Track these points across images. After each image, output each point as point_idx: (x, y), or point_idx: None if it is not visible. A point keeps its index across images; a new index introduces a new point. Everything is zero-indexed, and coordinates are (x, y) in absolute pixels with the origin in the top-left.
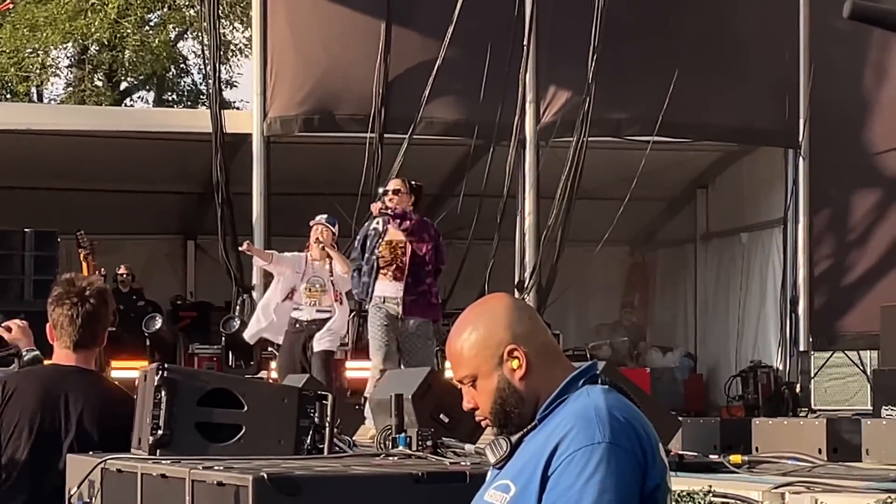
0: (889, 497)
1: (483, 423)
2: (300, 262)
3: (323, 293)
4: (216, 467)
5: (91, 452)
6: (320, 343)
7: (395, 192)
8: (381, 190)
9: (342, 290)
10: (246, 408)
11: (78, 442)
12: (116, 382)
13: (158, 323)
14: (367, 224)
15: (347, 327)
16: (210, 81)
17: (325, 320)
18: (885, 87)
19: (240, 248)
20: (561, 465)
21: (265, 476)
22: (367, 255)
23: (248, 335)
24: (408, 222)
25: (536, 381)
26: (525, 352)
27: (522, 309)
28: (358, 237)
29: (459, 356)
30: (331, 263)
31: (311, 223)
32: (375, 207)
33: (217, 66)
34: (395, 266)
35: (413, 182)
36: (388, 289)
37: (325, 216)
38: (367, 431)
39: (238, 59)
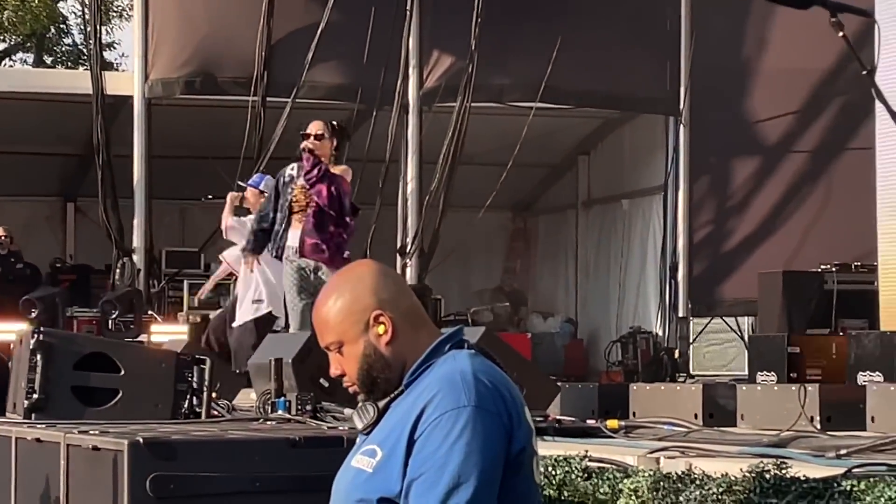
0: (761, 462)
1: (351, 390)
2: None
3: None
4: (92, 431)
5: None
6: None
7: (318, 136)
8: (301, 133)
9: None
10: (123, 372)
11: None
12: None
13: (38, 286)
14: (281, 171)
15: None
16: (91, 42)
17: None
18: (766, 57)
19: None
20: (427, 429)
21: (141, 440)
22: (280, 202)
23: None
24: (315, 172)
25: (402, 347)
26: (391, 317)
27: (388, 275)
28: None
29: (325, 322)
30: None
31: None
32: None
33: (98, 26)
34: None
35: (335, 123)
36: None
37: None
38: (248, 395)
39: (120, 21)
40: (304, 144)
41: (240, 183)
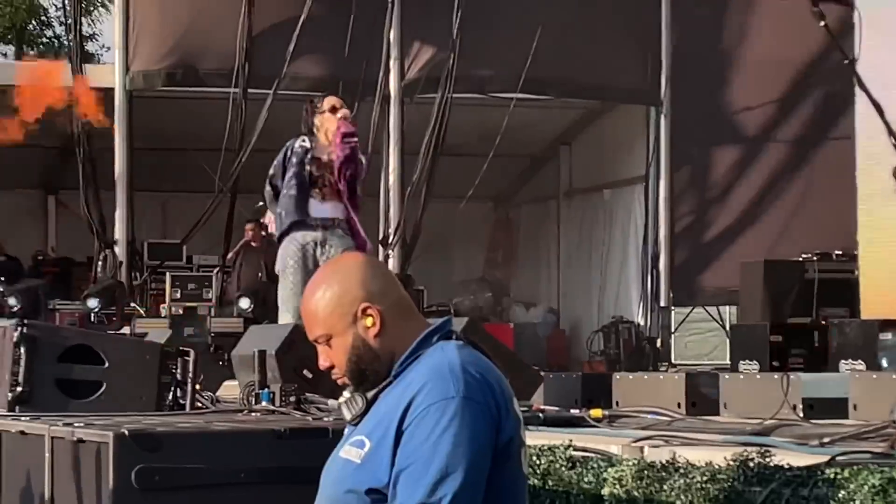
0: (745, 450)
1: (340, 382)
2: None
3: None
4: (76, 424)
5: None
6: None
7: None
8: (320, 104)
9: None
10: (107, 364)
11: None
12: None
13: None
14: (291, 141)
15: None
16: (71, 35)
17: None
18: (746, 46)
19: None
20: (415, 420)
21: (126, 432)
22: (290, 176)
23: None
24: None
25: (391, 338)
26: (379, 309)
27: (375, 267)
28: (278, 159)
29: (314, 315)
30: None
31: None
32: (332, 120)
33: (78, 18)
34: (328, 186)
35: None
36: (319, 210)
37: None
38: (232, 387)
39: (100, 13)
40: (343, 114)
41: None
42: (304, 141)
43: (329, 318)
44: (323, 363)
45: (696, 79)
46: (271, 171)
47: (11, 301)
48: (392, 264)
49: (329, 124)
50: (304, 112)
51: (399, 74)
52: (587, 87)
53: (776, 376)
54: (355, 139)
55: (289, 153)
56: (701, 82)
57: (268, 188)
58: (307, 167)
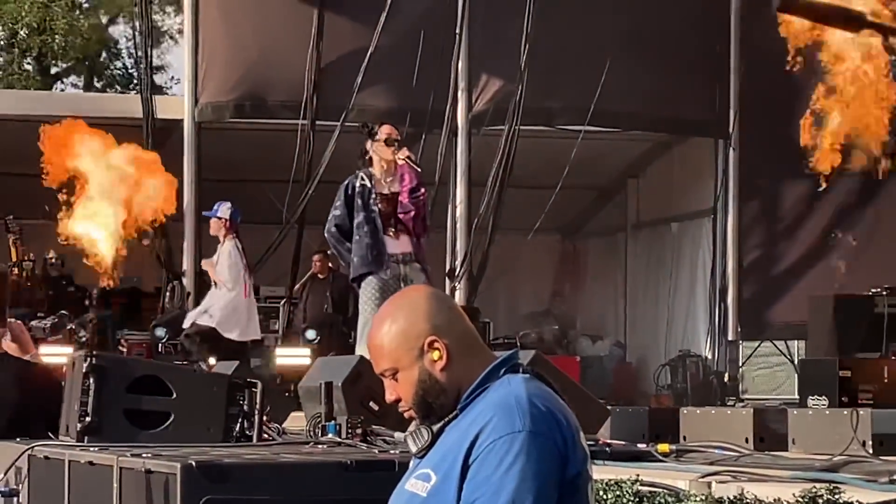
0: (814, 486)
1: (407, 415)
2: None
3: None
4: (144, 454)
5: (7, 433)
6: None
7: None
8: (377, 129)
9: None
10: (175, 395)
11: None
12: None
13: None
14: (349, 181)
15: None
16: (141, 66)
17: None
18: (815, 80)
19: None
20: (481, 454)
21: (193, 463)
22: (357, 215)
23: None
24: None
25: (457, 372)
26: (445, 343)
27: (442, 300)
28: (339, 196)
29: (380, 349)
30: None
31: None
32: (390, 152)
33: (148, 50)
34: (399, 224)
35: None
36: (394, 246)
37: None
38: (298, 418)
39: (169, 44)
40: (405, 155)
41: (205, 213)
42: (362, 179)
43: (395, 351)
44: (389, 397)
45: (765, 111)
46: (336, 213)
47: (80, 332)
48: (458, 296)
49: (384, 154)
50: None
51: (467, 106)
52: (656, 119)
53: (845, 412)
54: (422, 193)
55: (350, 192)
56: (769, 115)
57: (332, 229)
58: (375, 207)
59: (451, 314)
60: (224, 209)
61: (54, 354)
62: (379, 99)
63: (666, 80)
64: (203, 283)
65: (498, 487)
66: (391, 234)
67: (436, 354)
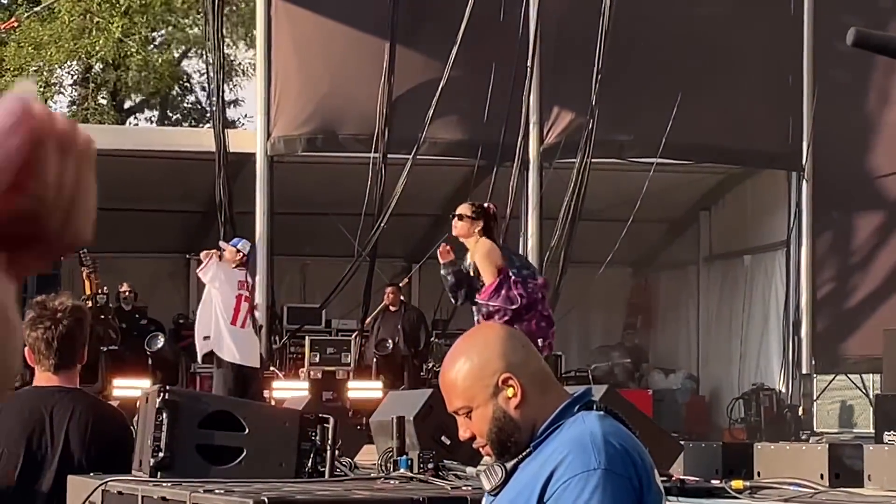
0: None
1: (483, 451)
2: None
3: None
4: (217, 490)
5: (80, 472)
6: None
7: (459, 216)
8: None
9: None
10: (247, 430)
11: (64, 462)
12: (106, 400)
13: (161, 342)
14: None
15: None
16: (214, 100)
17: None
18: (889, 111)
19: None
20: (557, 492)
21: (266, 500)
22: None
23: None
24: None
25: (532, 409)
26: (519, 380)
27: (515, 337)
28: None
29: (453, 387)
30: None
31: None
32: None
33: (221, 85)
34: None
35: (479, 203)
36: None
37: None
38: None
39: (241, 78)
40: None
41: (221, 244)
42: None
43: (469, 389)
44: (463, 434)
45: (838, 143)
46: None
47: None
48: None
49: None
50: None
51: (538, 139)
52: (728, 152)
53: None
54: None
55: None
56: (843, 146)
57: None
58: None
59: (525, 351)
60: (243, 244)
61: (129, 387)
62: (450, 131)
63: (738, 112)
64: (274, 316)
65: None
66: None
67: (510, 392)
